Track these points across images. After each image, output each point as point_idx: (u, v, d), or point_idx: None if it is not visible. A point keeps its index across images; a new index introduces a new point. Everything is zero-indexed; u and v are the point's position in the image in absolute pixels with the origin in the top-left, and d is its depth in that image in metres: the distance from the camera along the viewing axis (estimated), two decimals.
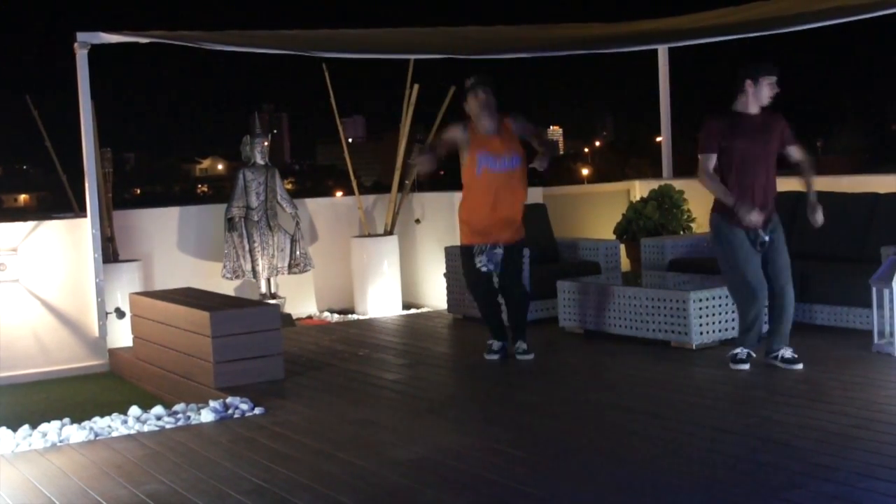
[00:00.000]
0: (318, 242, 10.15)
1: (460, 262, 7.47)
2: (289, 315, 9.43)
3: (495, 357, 7.39)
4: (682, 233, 10.12)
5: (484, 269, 7.16)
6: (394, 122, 10.21)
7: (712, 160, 6.57)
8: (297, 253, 9.55)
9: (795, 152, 6.68)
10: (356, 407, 6.28)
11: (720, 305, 7.38)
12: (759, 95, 6.52)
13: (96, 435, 5.91)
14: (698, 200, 10.38)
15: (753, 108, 6.55)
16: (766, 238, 6.51)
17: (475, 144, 7.06)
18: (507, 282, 7.27)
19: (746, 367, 6.63)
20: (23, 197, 75.32)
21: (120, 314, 8.35)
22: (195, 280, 9.00)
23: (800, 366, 6.54)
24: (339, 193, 18.60)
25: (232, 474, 5.00)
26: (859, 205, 8.25)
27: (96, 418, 6.25)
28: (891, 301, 6.79)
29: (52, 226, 8.29)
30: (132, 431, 5.98)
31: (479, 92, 7.04)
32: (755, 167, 6.49)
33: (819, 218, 6.63)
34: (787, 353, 6.62)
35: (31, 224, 8.22)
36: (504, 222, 7.11)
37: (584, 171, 66.08)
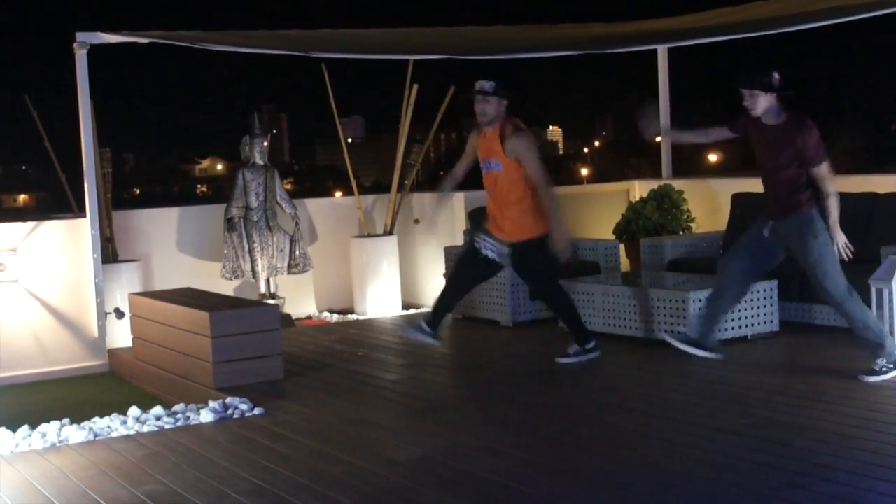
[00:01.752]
0: (317, 243, 10.14)
1: None
2: (288, 315, 9.43)
3: (413, 332, 7.15)
4: (681, 233, 10.11)
5: (482, 250, 7.00)
6: (393, 122, 10.20)
7: (722, 129, 6.70)
8: (297, 253, 9.55)
9: (816, 175, 6.33)
10: (356, 407, 6.28)
11: None
12: None
13: (96, 435, 5.90)
14: (698, 200, 10.38)
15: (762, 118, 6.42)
16: (768, 228, 6.49)
17: (478, 146, 7.07)
18: (533, 290, 7.39)
19: (670, 339, 6.75)
20: (22, 197, 75.34)
21: (119, 314, 8.35)
22: (194, 280, 8.99)
23: (874, 378, 6.24)
24: (338, 194, 18.63)
25: (231, 474, 5.00)
26: (859, 205, 8.24)
27: (96, 419, 6.25)
28: (890, 301, 6.79)
29: (52, 226, 8.28)
30: (131, 432, 5.98)
31: (476, 100, 6.91)
32: (764, 172, 6.47)
33: None
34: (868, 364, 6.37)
35: (30, 224, 8.22)
36: (502, 218, 6.95)
37: (584, 171, 66.05)
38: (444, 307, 7.21)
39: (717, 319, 6.69)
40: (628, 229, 10.24)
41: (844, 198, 8.34)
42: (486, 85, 6.84)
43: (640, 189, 11.12)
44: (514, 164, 6.83)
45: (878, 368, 6.22)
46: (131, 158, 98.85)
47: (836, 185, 6.37)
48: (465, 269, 7.19)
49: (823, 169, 6.30)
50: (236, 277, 9.35)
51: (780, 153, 6.33)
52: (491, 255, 6.99)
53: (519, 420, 5.80)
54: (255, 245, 9.33)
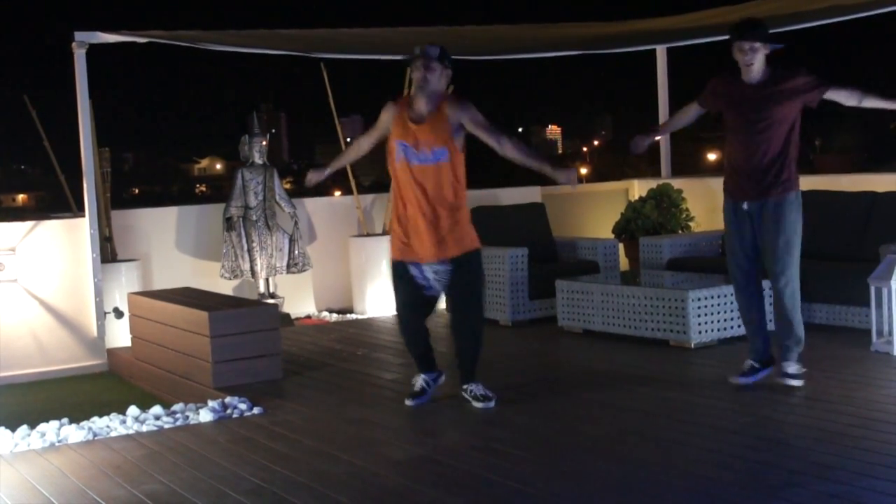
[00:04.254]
0: (316, 242, 10.14)
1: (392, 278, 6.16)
2: (287, 315, 9.43)
3: (414, 402, 6.11)
4: (680, 232, 10.12)
5: (428, 293, 6.03)
6: None
7: (692, 106, 6.32)
8: (296, 252, 9.55)
9: (836, 96, 5.94)
10: (355, 407, 6.27)
11: (719, 304, 7.38)
12: (739, 63, 5.95)
13: (95, 435, 5.90)
14: (697, 199, 10.39)
15: (746, 77, 5.96)
16: (745, 207, 5.99)
17: (395, 129, 6.00)
18: (458, 305, 6.00)
19: (745, 380, 6.15)
20: (21, 197, 75.35)
21: (118, 314, 8.35)
22: (193, 280, 9.00)
23: (799, 382, 6.05)
24: (337, 193, 18.57)
25: (230, 474, 4.99)
26: (857, 204, 8.26)
27: (95, 418, 6.24)
28: (889, 300, 6.79)
29: (51, 226, 8.28)
30: (131, 431, 5.97)
31: (418, 66, 5.91)
32: (745, 141, 5.93)
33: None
34: (789, 368, 6.08)
35: (29, 224, 8.21)
36: (441, 228, 5.88)
37: (583, 171, 66.07)
38: (423, 351, 6.22)
39: (763, 331, 6.24)
40: (627, 228, 10.25)
41: (844, 197, 8.41)
42: (432, 50, 5.85)
43: (639, 188, 11.14)
44: (460, 152, 5.91)
45: (797, 373, 6.06)
46: (130, 158, 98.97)
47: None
48: (411, 311, 6.11)
49: (834, 87, 5.91)
50: (235, 277, 9.35)
51: (770, 110, 5.86)
52: (435, 290, 6.03)
53: (519, 420, 5.79)
54: (255, 244, 9.32)
